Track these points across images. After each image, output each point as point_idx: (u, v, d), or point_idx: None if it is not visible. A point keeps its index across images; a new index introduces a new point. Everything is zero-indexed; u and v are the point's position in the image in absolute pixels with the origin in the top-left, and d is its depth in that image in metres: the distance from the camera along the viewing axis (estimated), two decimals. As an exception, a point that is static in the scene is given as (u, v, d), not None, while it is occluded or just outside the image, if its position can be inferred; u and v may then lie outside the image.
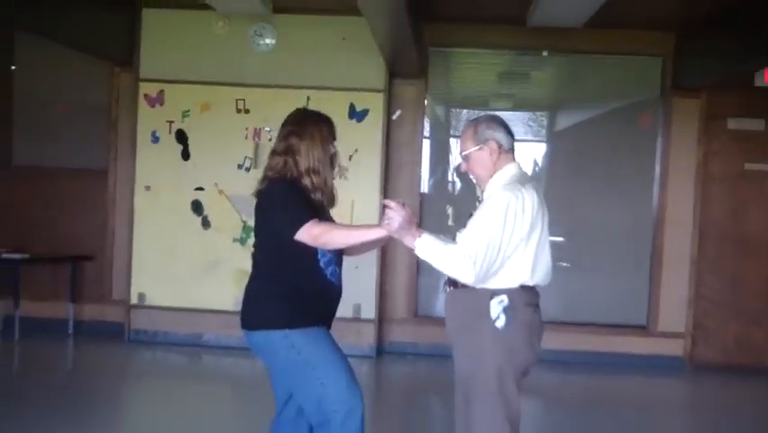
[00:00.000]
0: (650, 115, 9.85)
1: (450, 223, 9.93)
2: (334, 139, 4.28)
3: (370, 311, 9.44)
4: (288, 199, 4.05)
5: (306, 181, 4.12)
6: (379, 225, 3.94)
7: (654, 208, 9.71)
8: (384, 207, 3.84)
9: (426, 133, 10.06)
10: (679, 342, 9.66)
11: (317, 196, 4.15)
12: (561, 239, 9.57)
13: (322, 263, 4.08)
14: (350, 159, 8.84)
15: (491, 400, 3.91)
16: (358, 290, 9.11)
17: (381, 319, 9.73)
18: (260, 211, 4.16)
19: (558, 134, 10.25)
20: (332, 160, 4.25)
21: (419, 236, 3.83)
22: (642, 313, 9.78)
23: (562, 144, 10.22)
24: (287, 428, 4.31)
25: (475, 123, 4.15)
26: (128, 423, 7.28)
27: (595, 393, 8.64)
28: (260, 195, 4.18)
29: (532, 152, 10.13)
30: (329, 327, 4.25)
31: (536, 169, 10.05)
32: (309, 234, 3.94)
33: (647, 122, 9.84)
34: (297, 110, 4.44)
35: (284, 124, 4.31)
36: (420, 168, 9.98)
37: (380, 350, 9.67)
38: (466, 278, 3.80)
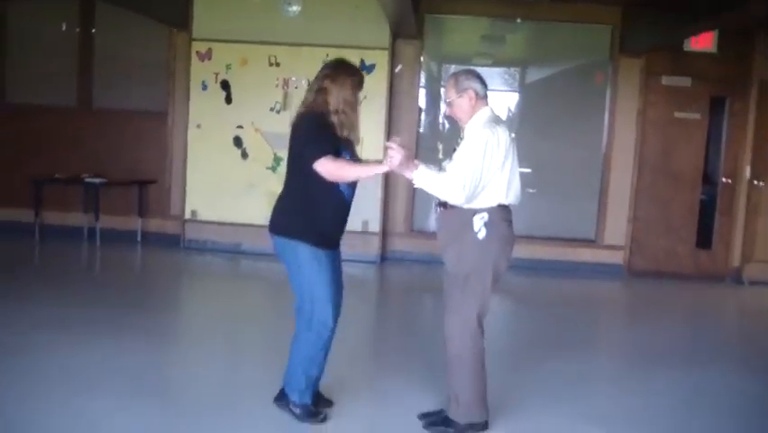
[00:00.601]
0: (601, 73, 9.93)
1: (440, 156, 9.95)
2: (361, 88, 4.26)
3: (375, 226, 9.65)
4: (313, 131, 4.10)
5: (335, 119, 4.12)
6: (382, 162, 3.95)
7: (603, 146, 9.88)
8: (386, 147, 3.84)
9: (422, 83, 10.05)
10: (619, 253, 9.83)
11: (344, 133, 4.14)
12: (528, 170, 9.61)
13: (340, 185, 4.09)
14: (360, 104, 8.76)
15: (467, 294, 4.06)
16: (366, 208, 9.25)
17: (385, 232, 9.93)
18: (292, 137, 4.21)
19: (528, 87, 10.36)
20: (356, 104, 4.24)
21: (416, 169, 3.86)
22: (591, 229, 10.00)
23: (531, 95, 10.37)
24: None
25: (456, 75, 4.26)
26: (184, 309, 7.70)
27: (553, 293, 8.96)
28: (294, 124, 4.21)
29: (507, 101, 10.18)
30: (339, 240, 4.30)
31: (510, 114, 10.10)
32: (324, 167, 4.01)
33: (599, 78, 9.86)
34: (337, 59, 4.42)
35: (322, 68, 4.29)
36: (417, 112, 10.04)
37: (383, 258, 9.92)
38: (457, 199, 3.93)
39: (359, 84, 4.24)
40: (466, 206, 4.02)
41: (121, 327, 6.07)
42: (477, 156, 3.93)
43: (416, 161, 3.98)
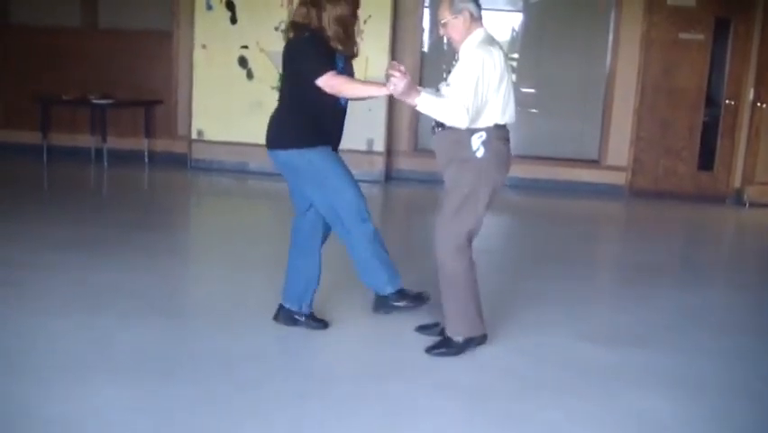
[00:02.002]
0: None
1: (444, 76, 9.84)
2: (358, 6, 4.20)
3: (380, 145, 9.66)
4: (312, 50, 4.05)
5: (330, 32, 4.06)
6: (385, 85, 3.92)
7: (607, 67, 9.79)
8: (388, 75, 3.84)
9: (426, 3, 9.89)
10: (621, 173, 9.85)
11: (337, 47, 4.09)
12: (532, 90, 9.55)
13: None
14: (365, 23, 8.69)
15: (462, 212, 4.09)
16: (371, 127, 9.23)
17: (389, 152, 9.97)
18: (288, 55, 4.14)
19: (532, 6, 10.17)
20: (354, 17, 4.17)
21: (419, 95, 3.84)
22: (594, 150, 9.97)
23: (536, 15, 10.20)
24: (306, 225, 4.37)
25: None
26: (192, 229, 7.85)
27: (553, 212, 9.08)
28: (288, 42, 4.14)
29: (511, 21, 9.97)
30: (337, 147, 4.30)
31: (514, 34, 9.92)
32: (327, 83, 3.99)
33: (603, -2, 9.72)
34: None
35: None
36: (421, 31, 9.86)
37: (388, 176, 9.99)
38: (461, 122, 3.92)
39: (354, 1, 4.17)
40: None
41: (130, 246, 6.16)
42: (475, 77, 3.89)
43: (418, 87, 3.96)
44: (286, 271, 4.46)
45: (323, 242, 4.44)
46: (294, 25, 4.14)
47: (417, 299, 4.36)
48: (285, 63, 4.18)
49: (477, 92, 3.88)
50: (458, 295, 4.17)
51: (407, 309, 4.37)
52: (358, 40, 4.29)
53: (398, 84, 3.82)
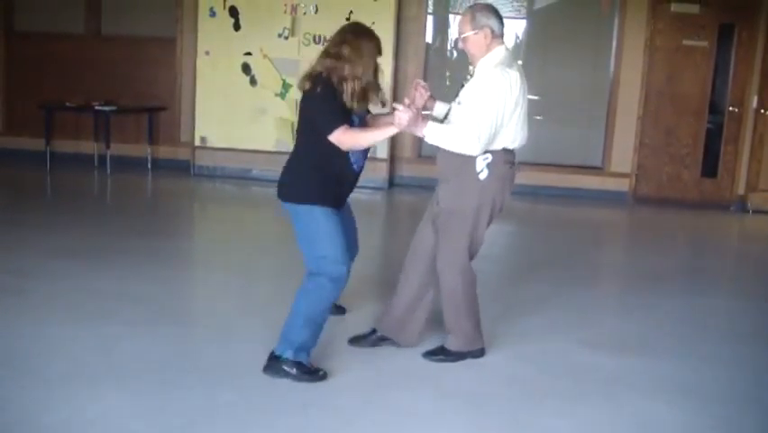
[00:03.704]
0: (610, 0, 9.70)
1: (447, 83, 9.88)
2: (380, 54, 4.09)
3: (383, 152, 9.71)
4: (326, 106, 3.93)
5: (348, 86, 3.94)
6: (391, 123, 3.89)
7: (611, 74, 9.80)
8: (393, 108, 3.84)
9: (430, 9, 9.91)
10: (625, 180, 9.85)
11: (354, 104, 3.96)
12: (536, 97, 9.54)
13: (350, 155, 4.04)
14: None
15: (462, 232, 4.07)
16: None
17: (392, 158, 9.98)
18: (304, 106, 4.07)
19: (537, 12, 10.11)
20: (375, 72, 4.04)
21: (426, 126, 3.82)
22: (598, 156, 9.96)
23: (540, 21, 10.18)
24: None
25: (472, 9, 4.05)
26: (196, 236, 7.85)
27: (557, 219, 9.11)
28: (306, 92, 4.01)
29: (515, 27, 10.02)
30: (342, 204, 4.23)
31: (518, 41, 9.94)
32: (339, 138, 3.90)
33: (607, 4, 9.66)
34: (355, 23, 4.27)
35: (341, 32, 4.09)
36: (424, 38, 9.91)
37: (392, 183, 9.98)
38: (473, 151, 3.87)
39: (376, 49, 4.05)
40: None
41: (133, 253, 6.15)
42: (490, 105, 3.81)
43: (425, 121, 3.89)
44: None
45: (351, 259, 4.33)
46: (310, 77, 4.01)
47: (311, 373, 4.00)
48: (299, 113, 4.13)
49: (490, 118, 3.81)
50: (459, 311, 4.18)
51: (294, 379, 3.94)
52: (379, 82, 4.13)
53: (403, 117, 3.75)
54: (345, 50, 3.95)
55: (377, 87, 4.11)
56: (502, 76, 3.86)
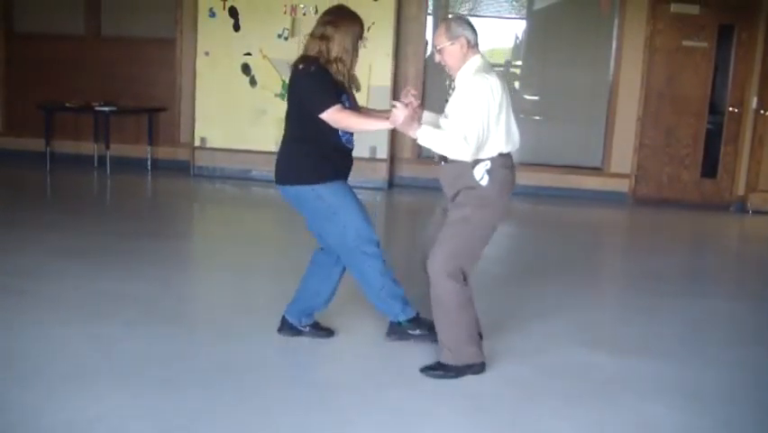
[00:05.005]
0: (609, 0, 9.69)
1: (447, 83, 9.88)
2: (362, 38, 4.19)
3: (383, 152, 9.73)
4: (319, 84, 4.04)
5: (333, 67, 4.07)
6: (387, 117, 3.98)
7: (611, 74, 9.79)
8: (392, 106, 3.90)
9: (430, 10, 9.90)
10: (625, 181, 9.84)
11: (339, 78, 4.10)
12: (536, 98, 9.57)
13: (339, 132, 4.12)
14: (368, 30, 8.68)
15: (459, 238, 4.04)
16: (374, 134, 9.19)
17: (392, 159, 9.99)
18: (293, 88, 4.16)
19: (536, 13, 10.12)
20: (356, 53, 4.17)
21: (419, 128, 3.86)
22: (598, 157, 9.97)
23: (540, 22, 10.18)
24: (326, 262, 4.38)
25: (447, 22, 4.11)
26: (195, 236, 7.86)
27: (557, 219, 9.10)
28: (294, 74, 4.14)
29: (514, 28, 9.99)
30: (346, 178, 4.30)
31: (517, 42, 9.93)
32: (331, 116, 4.00)
33: (607, 5, 9.66)
34: (339, 5, 4.36)
35: (325, 14, 4.21)
36: (424, 38, 9.92)
37: (391, 183, 9.99)
38: (464, 156, 3.91)
39: (360, 32, 4.17)
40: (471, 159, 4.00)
41: (133, 253, 6.15)
42: (474, 109, 3.86)
43: (419, 124, 3.94)
44: (298, 287, 4.43)
45: (344, 269, 4.39)
46: (303, 58, 4.14)
47: (433, 328, 4.21)
48: (290, 95, 4.19)
49: (478, 122, 3.85)
50: (449, 322, 4.08)
51: (421, 338, 4.33)
52: (360, 47, 4.24)
53: (398, 115, 3.85)
54: (329, 30, 4.08)
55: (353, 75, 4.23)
56: (482, 81, 3.92)
